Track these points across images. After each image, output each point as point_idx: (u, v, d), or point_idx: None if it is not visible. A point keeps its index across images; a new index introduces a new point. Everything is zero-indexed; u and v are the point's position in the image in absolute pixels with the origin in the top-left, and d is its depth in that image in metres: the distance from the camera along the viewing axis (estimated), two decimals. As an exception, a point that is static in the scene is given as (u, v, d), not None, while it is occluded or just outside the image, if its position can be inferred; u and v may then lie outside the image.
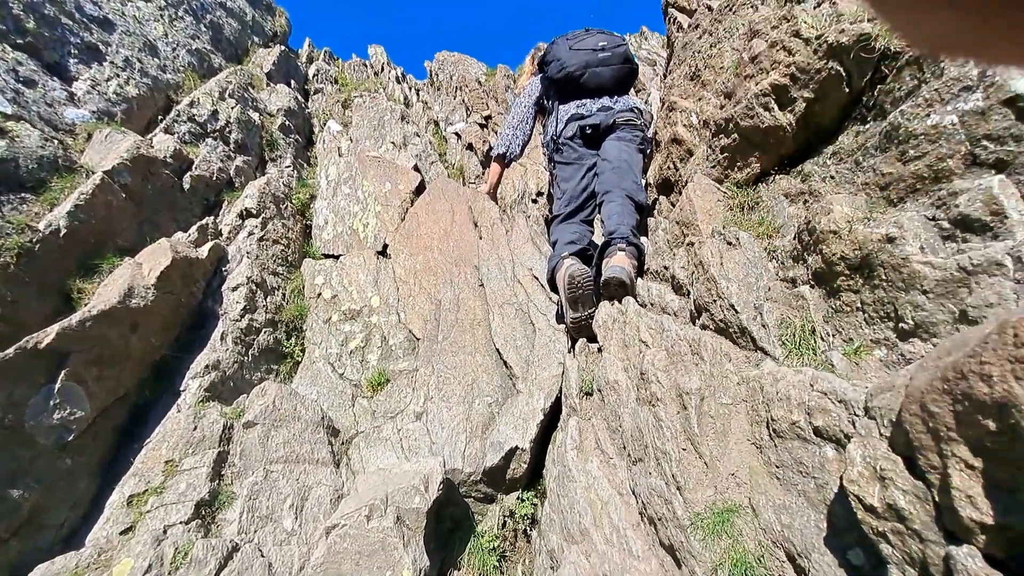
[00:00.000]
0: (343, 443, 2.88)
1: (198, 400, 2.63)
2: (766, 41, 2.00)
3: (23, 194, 2.69)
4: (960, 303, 1.16)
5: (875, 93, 1.60)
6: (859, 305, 1.41)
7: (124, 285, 2.53)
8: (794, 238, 1.73)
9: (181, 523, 2.05)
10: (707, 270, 1.88)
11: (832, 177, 1.72)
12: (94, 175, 2.95)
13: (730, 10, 2.94)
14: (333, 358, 3.21)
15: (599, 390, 2.16)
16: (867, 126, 1.64)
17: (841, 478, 1.04)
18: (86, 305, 2.46)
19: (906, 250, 1.25)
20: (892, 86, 1.52)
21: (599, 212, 2.76)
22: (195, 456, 2.35)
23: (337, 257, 3.89)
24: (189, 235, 3.32)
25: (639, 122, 3.03)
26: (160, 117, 4.45)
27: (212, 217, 3.68)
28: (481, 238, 3.35)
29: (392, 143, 5.23)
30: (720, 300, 1.79)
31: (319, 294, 3.54)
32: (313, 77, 7.41)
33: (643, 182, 3.01)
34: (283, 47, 7.16)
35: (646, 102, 5.40)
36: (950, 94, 1.29)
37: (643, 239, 2.67)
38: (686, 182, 2.44)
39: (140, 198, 3.20)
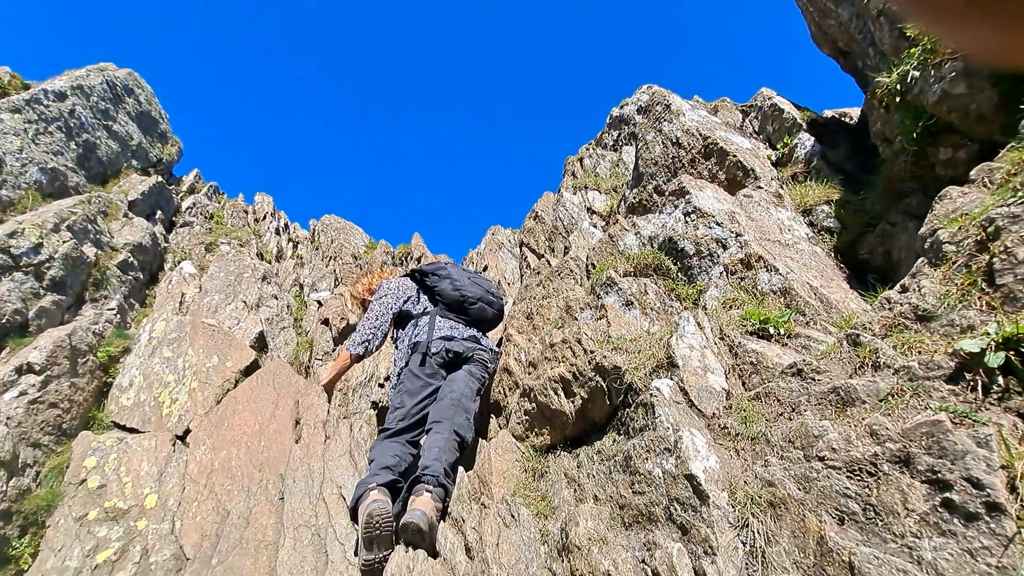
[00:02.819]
0: None
1: None
2: (562, 335, 2.39)
3: None
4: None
5: (625, 414, 1.94)
6: (591, 630, 1.51)
7: None
8: (561, 530, 1.87)
9: None
10: (484, 549, 1.92)
11: (594, 476, 1.95)
12: None
13: (559, 275, 3.51)
14: (69, 573, 2.59)
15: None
16: (620, 438, 1.95)
17: None
18: None
19: (616, 595, 1.40)
20: (633, 416, 1.86)
21: (425, 436, 2.77)
22: None
23: (128, 429, 3.40)
24: (-73, 393, 2.73)
25: (491, 366, 3.20)
26: (-32, 234, 3.93)
27: (-24, 368, 3.10)
28: (298, 441, 3.18)
29: (244, 302, 5.06)
30: (488, 588, 1.81)
31: (83, 480, 2.98)
32: (186, 210, 7.21)
33: (475, 414, 3.07)
34: (160, 177, 7.00)
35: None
36: (659, 449, 1.60)
37: (455, 476, 2.69)
38: (490, 428, 2.61)
39: None
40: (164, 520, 2.83)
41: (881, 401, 1.29)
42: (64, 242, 4.13)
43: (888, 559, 1.06)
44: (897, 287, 1.73)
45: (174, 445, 3.20)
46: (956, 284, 1.43)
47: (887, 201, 2.59)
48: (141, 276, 5.16)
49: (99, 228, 4.81)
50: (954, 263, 1.50)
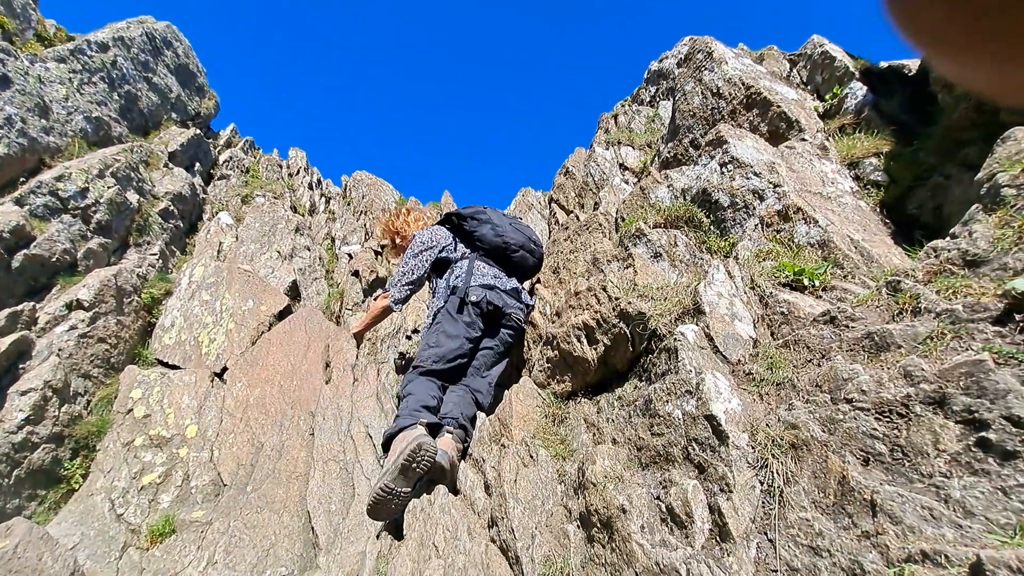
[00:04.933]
0: (88, 608, 2.42)
1: (-97, 539, 2.13)
2: (587, 283, 2.36)
3: None
4: (660, 590, 1.31)
5: (647, 360, 1.92)
6: (604, 561, 1.54)
7: None
8: (578, 469, 1.90)
9: None
10: (502, 484, 1.97)
11: (613, 420, 1.96)
12: None
13: (587, 229, 3.45)
14: (117, 492, 2.80)
15: (385, 591, 2.06)
16: (642, 384, 1.94)
17: None
18: None
19: (630, 527, 1.42)
20: (655, 361, 1.84)
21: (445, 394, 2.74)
22: None
23: (170, 366, 3.58)
24: (-10, 321, 2.93)
25: (522, 324, 3.06)
26: (23, 179, 4.12)
27: (34, 302, 3.30)
28: (328, 382, 3.29)
29: (278, 252, 5.19)
30: (506, 519, 1.86)
31: (130, 410, 3.18)
32: (223, 163, 7.36)
33: (495, 379, 2.94)
34: (198, 130, 7.13)
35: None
36: (680, 391, 1.58)
37: (474, 426, 2.67)
38: (519, 380, 2.64)
39: (-60, 272, 2.83)
40: (204, 449, 3.00)
41: (919, 344, 1.23)
42: (109, 188, 4.28)
43: (913, 497, 1.03)
44: (946, 236, 1.63)
45: (212, 381, 3.36)
46: (1013, 227, 1.34)
47: (943, 152, 2.41)
48: (181, 224, 5.34)
49: (141, 176, 4.96)
50: (1013, 206, 1.40)
